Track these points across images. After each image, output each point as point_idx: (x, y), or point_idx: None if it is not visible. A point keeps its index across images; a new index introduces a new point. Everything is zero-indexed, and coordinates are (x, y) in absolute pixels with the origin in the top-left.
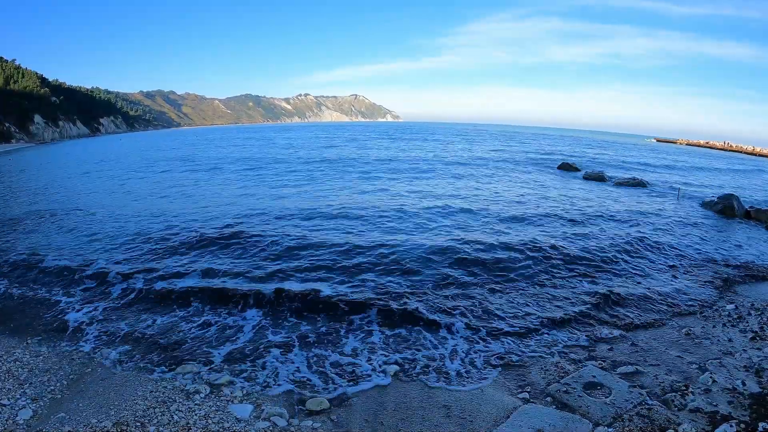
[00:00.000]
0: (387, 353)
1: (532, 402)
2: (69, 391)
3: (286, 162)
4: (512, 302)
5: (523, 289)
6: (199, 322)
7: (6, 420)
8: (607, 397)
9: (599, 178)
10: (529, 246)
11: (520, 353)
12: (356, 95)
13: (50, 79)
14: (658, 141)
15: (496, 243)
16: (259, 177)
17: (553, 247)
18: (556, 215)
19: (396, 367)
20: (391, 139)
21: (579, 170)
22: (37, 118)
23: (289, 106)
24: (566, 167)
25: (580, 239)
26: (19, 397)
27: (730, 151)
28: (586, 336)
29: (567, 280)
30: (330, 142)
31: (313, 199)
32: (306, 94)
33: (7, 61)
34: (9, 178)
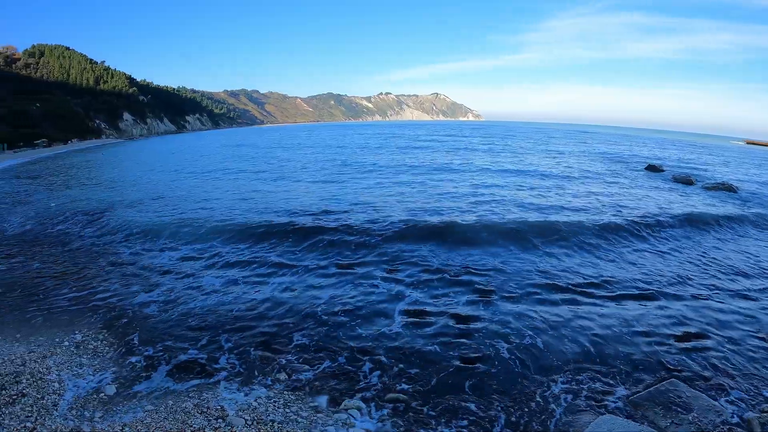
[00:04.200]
0: None
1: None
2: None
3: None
4: None
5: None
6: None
7: (91, 394)
8: None
9: (687, 181)
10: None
11: None
12: (437, 94)
13: (138, 79)
14: (748, 143)
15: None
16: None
17: None
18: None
19: None
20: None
21: (663, 171)
22: (126, 115)
23: (370, 105)
24: (653, 169)
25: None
26: (105, 373)
27: None
28: None
29: None
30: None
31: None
32: (387, 93)
33: (96, 62)
34: (110, 170)
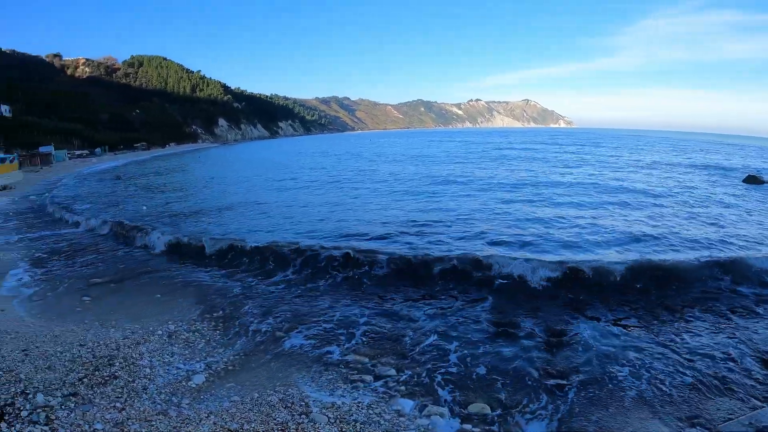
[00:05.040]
0: None
1: None
2: (242, 365)
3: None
4: None
5: None
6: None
7: (180, 382)
8: None
9: None
10: None
11: None
12: (528, 100)
13: (232, 87)
14: None
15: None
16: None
17: None
18: None
19: None
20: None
21: None
22: (221, 121)
23: (460, 111)
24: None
25: None
26: (195, 363)
27: None
28: None
29: None
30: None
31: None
32: (477, 100)
33: (192, 71)
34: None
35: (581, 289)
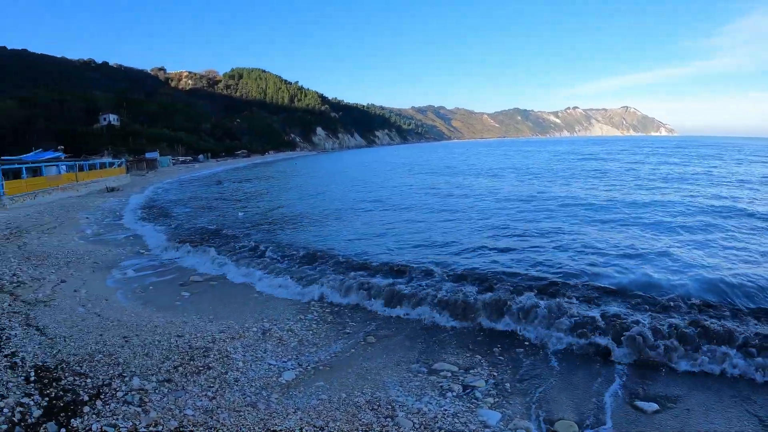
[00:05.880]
0: None
1: None
2: (332, 366)
3: None
4: None
5: None
6: None
7: (270, 377)
8: None
9: None
10: None
11: None
12: (627, 107)
13: (329, 97)
14: None
15: None
16: None
17: None
18: None
19: None
20: None
21: None
22: (319, 130)
23: (557, 120)
24: None
25: None
26: (286, 360)
27: None
28: None
29: None
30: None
31: None
32: (574, 107)
33: (290, 82)
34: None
35: None
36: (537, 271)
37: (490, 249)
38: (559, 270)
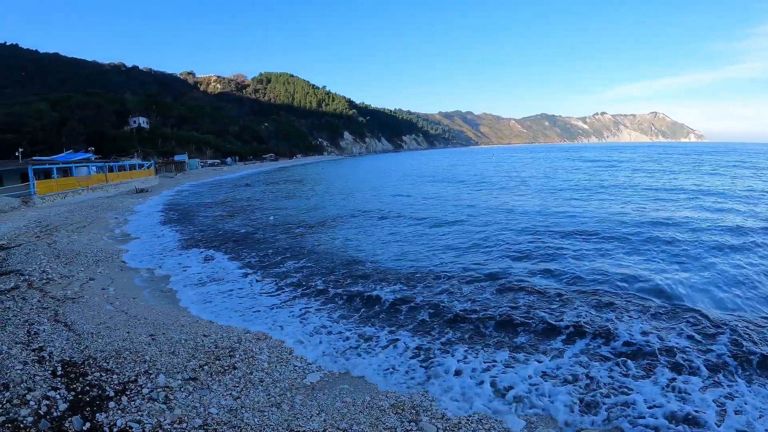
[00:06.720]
0: None
1: None
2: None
3: None
4: None
5: None
6: None
7: (295, 379)
8: None
9: None
10: None
11: None
12: (656, 113)
13: (357, 102)
14: None
15: None
16: None
17: None
18: None
19: None
20: None
21: None
22: (346, 134)
23: (585, 126)
24: None
25: None
26: (311, 363)
27: None
28: None
29: None
30: None
31: None
32: (602, 113)
33: (318, 87)
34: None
35: None
36: None
37: None
38: None
